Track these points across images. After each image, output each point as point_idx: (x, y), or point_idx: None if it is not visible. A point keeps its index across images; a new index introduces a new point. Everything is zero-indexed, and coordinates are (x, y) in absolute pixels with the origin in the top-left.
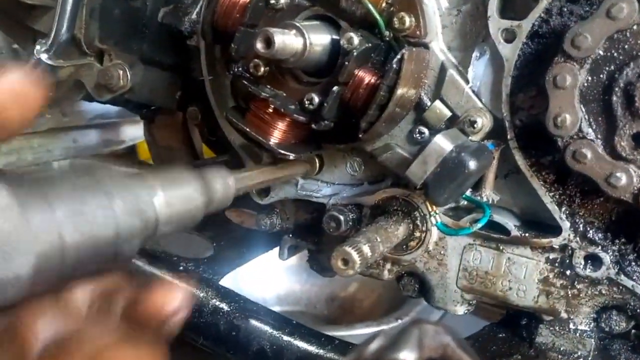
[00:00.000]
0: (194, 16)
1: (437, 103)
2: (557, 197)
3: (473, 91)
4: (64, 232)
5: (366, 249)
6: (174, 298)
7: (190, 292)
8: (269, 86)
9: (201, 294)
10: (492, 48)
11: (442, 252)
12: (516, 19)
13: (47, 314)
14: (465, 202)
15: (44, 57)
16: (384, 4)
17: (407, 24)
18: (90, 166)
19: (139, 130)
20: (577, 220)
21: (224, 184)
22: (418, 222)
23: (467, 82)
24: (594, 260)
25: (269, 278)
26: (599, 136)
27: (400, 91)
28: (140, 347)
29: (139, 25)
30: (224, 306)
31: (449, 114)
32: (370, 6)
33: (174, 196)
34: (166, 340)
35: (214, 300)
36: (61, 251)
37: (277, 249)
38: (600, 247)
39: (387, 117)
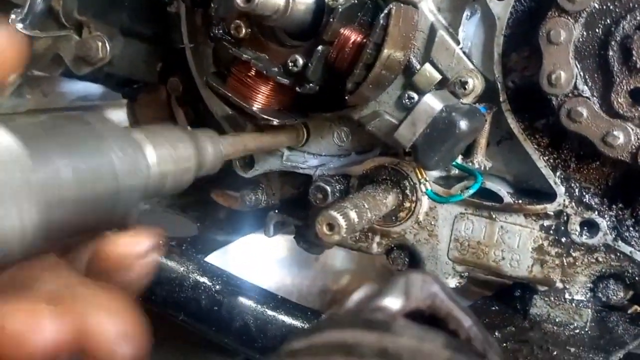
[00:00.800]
0: None
1: (427, 66)
2: (552, 161)
3: (464, 52)
4: (67, 183)
5: (353, 214)
6: (138, 242)
7: (157, 240)
8: (251, 49)
9: (181, 268)
10: (484, 7)
11: (432, 223)
12: None
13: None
14: (457, 171)
15: (19, 26)
16: None
17: None
18: (88, 117)
19: (122, 114)
20: (572, 185)
21: (215, 147)
22: (407, 192)
23: (457, 43)
24: (590, 226)
25: (259, 271)
26: (595, 94)
27: (387, 50)
28: (105, 289)
29: None
30: (206, 280)
31: (439, 77)
32: None
33: (167, 155)
34: (135, 292)
35: (195, 274)
36: (63, 199)
37: (266, 243)
38: (596, 213)
39: (374, 78)
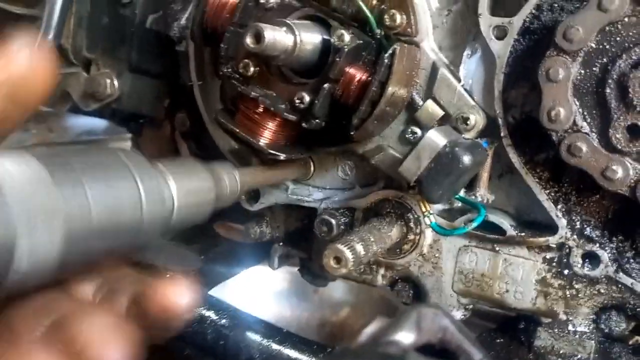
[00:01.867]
0: (182, 22)
1: (429, 102)
2: (553, 194)
3: (465, 89)
4: (92, 209)
5: (359, 247)
6: (183, 294)
7: (198, 290)
8: (258, 86)
9: None
10: (484, 46)
11: (436, 255)
12: (506, 16)
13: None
14: (460, 204)
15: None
16: (374, 2)
17: (398, 21)
18: (112, 147)
19: (127, 147)
20: (573, 218)
21: (232, 179)
22: (412, 224)
23: (459, 80)
24: (591, 258)
25: (258, 303)
26: (593, 129)
27: (391, 88)
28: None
29: (127, 33)
30: (212, 314)
31: (441, 112)
32: (361, 3)
33: (187, 187)
34: (168, 336)
35: (201, 308)
36: (89, 228)
37: (265, 275)
38: (597, 245)
39: (378, 114)
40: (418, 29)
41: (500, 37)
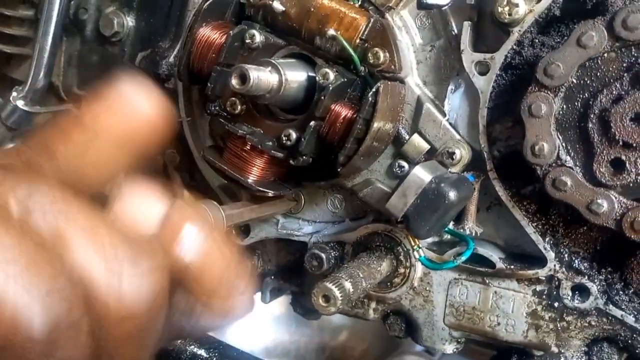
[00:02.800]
0: (171, 59)
1: (415, 137)
2: (540, 227)
3: (450, 124)
4: None
5: (348, 284)
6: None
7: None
8: (246, 124)
9: (178, 340)
10: (467, 81)
11: (427, 289)
12: (488, 51)
13: None
14: (449, 236)
15: (20, 103)
16: (357, 40)
17: (382, 59)
18: None
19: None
20: (561, 250)
21: (217, 217)
22: (402, 258)
23: (443, 115)
24: (581, 290)
25: (256, 329)
26: (577, 163)
27: (377, 124)
28: None
29: (116, 71)
30: (203, 353)
31: (427, 147)
32: (344, 43)
33: None
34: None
35: (192, 346)
36: None
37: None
38: (586, 277)
39: (365, 150)
40: (402, 65)
41: (483, 72)
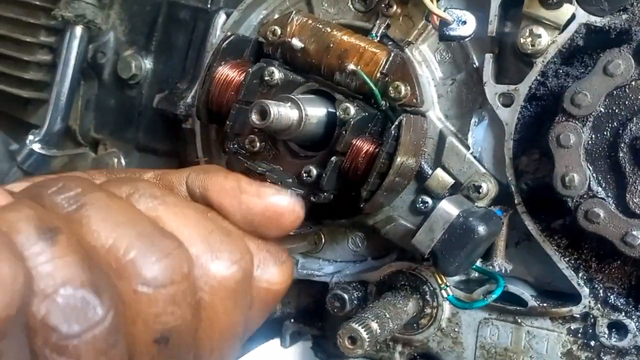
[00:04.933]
0: (189, 100)
1: (439, 171)
2: (573, 262)
3: (475, 157)
4: None
5: (375, 325)
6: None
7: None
8: (265, 162)
9: None
10: (491, 113)
11: (456, 330)
12: (510, 83)
13: None
14: (477, 274)
15: (36, 147)
16: (378, 74)
17: (403, 92)
18: None
19: None
20: (596, 286)
21: None
22: (428, 297)
23: (467, 148)
24: (618, 328)
25: None
26: (609, 194)
27: (399, 159)
28: None
29: (134, 114)
30: None
31: (451, 181)
32: (365, 77)
33: None
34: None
35: None
36: None
37: (278, 352)
38: (623, 313)
39: (387, 186)
40: (423, 99)
41: (507, 104)
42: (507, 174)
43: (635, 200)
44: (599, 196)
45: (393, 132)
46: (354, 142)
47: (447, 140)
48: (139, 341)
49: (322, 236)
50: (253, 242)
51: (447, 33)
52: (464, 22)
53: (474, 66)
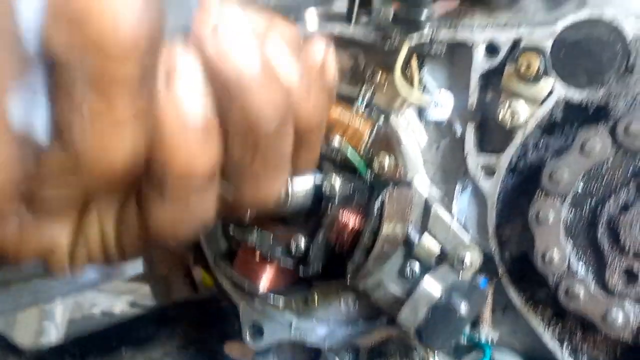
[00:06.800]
0: None
1: (425, 238)
2: (558, 332)
3: (459, 225)
4: None
5: None
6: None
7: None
8: (257, 228)
9: None
10: (474, 182)
11: None
12: (494, 151)
13: None
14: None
15: None
16: (362, 149)
17: (387, 164)
18: None
19: (138, 261)
20: (580, 357)
21: None
22: None
23: (452, 216)
24: None
25: None
26: (590, 271)
27: (385, 231)
28: None
29: None
30: None
31: (437, 249)
32: (349, 154)
33: None
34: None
35: None
36: None
37: None
38: None
39: (374, 257)
40: (408, 168)
41: (489, 174)
42: (491, 244)
43: (614, 279)
44: (579, 274)
45: (376, 211)
46: (340, 218)
47: (432, 209)
48: None
49: (315, 296)
50: None
51: (425, 117)
52: (441, 105)
53: (456, 136)
